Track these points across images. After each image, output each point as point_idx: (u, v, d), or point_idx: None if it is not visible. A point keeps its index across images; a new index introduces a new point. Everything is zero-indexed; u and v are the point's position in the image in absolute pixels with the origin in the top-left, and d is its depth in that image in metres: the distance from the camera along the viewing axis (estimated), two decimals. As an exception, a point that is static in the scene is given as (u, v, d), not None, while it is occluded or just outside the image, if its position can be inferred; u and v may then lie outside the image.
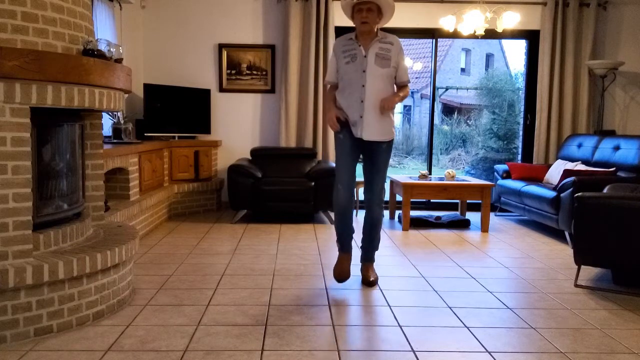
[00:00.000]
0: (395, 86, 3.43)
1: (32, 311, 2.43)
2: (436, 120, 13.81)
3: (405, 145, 14.61)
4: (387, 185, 6.08)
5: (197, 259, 3.97)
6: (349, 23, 6.35)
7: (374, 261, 3.57)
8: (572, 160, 5.63)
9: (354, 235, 3.52)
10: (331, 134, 6.15)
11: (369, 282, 3.43)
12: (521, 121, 6.67)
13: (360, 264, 3.58)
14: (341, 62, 3.36)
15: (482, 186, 5.35)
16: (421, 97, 16.16)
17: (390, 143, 3.42)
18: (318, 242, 4.61)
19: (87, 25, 2.87)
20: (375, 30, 3.35)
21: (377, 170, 3.42)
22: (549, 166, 5.81)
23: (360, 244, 3.59)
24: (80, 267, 2.55)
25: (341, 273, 3.41)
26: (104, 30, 5.03)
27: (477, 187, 5.35)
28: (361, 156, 3.52)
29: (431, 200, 6.42)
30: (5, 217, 2.38)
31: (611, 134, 5.78)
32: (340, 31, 6.14)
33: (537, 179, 5.70)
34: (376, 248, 3.57)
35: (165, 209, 5.43)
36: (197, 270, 3.66)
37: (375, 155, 3.40)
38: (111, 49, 2.95)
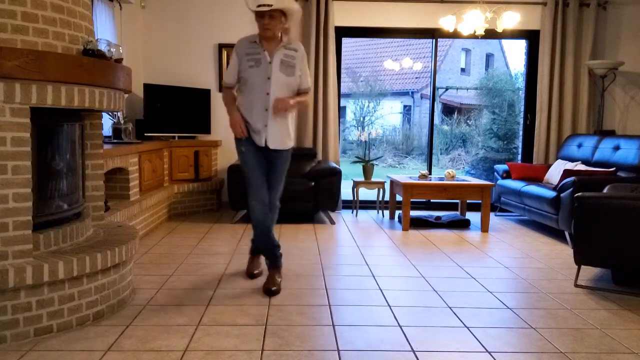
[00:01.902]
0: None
1: (32, 311, 2.43)
2: (436, 120, 13.80)
3: (405, 145, 14.58)
4: (387, 185, 6.12)
5: (197, 259, 3.97)
6: (349, 23, 6.39)
7: (280, 267, 3.42)
8: (572, 160, 5.63)
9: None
10: (331, 134, 6.15)
11: (269, 290, 3.18)
12: (521, 121, 6.67)
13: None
14: (244, 65, 3.20)
15: (482, 186, 5.35)
16: (421, 97, 16.15)
17: (290, 150, 3.36)
18: (318, 242, 4.60)
19: (87, 25, 2.87)
20: (280, 35, 3.20)
21: (278, 176, 3.33)
22: (549, 166, 5.81)
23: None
24: (80, 267, 2.55)
25: (250, 271, 3.53)
26: (104, 30, 5.03)
27: (477, 187, 5.35)
28: None
29: (431, 200, 6.42)
30: (5, 217, 2.38)
31: (611, 134, 5.78)
32: (340, 31, 6.16)
33: (537, 179, 5.70)
34: (277, 253, 3.41)
35: (165, 209, 5.43)
36: (197, 270, 3.66)
37: (277, 162, 3.30)
38: (111, 49, 2.95)
